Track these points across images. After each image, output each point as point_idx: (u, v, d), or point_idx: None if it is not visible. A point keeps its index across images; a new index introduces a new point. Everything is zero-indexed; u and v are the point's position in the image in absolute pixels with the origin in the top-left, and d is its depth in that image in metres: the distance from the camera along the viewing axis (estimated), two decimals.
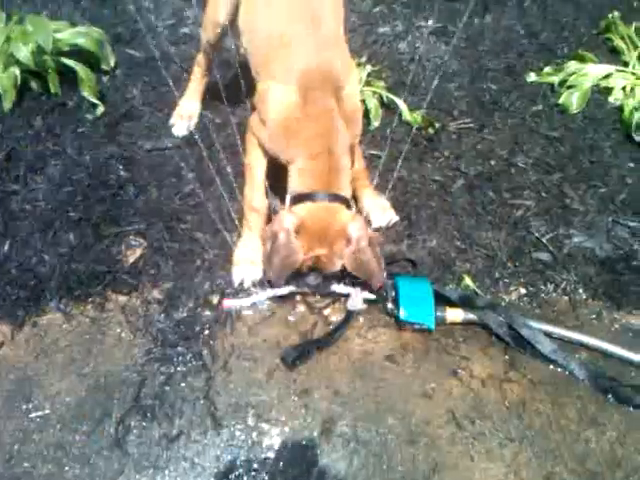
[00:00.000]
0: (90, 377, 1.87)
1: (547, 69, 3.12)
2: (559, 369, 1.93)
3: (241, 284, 2.08)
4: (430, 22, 3.48)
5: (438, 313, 1.97)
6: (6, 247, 2.19)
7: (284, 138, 1.92)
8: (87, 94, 2.75)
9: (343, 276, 1.99)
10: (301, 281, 1.96)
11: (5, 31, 2.69)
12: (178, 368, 1.89)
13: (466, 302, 2.02)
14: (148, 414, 1.78)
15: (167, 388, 1.84)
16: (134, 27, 3.22)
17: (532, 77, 3.11)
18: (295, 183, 1.92)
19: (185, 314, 2.02)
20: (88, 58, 2.88)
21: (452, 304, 2.01)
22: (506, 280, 2.17)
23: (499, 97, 2.98)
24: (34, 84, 2.82)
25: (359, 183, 2.26)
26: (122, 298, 2.07)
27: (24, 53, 2.61)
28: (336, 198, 1.87)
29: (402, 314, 1.95)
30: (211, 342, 1.95)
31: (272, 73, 1.95)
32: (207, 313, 2.02)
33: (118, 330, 1.99)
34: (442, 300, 2.01)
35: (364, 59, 3.13)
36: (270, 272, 1.90)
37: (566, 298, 2.13)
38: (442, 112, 2.88)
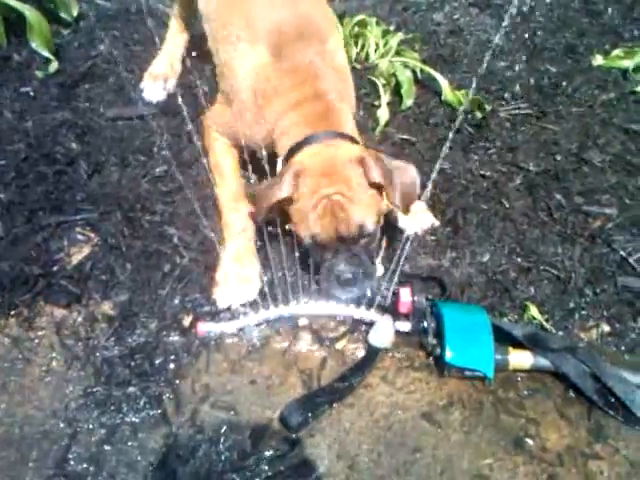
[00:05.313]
0: None
1: (617, 52, 2.87)
2: None
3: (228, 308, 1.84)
4: None
5: (498, 356, 1.68)
6: None
7: (258, 107, 1.82)
8: (38, 46, 2.53)
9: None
10: (331, 276, 1.71)
11: None
12: (127, 418, 1.59)
13: (535, 342, 1.72)
14: None
15: (107, 448, 1.54)
16: None
17: (599, 60, 2.87)
18: (284, 142, 1.78)
19: (143, 339, 1.75)
20: (44, 4, 2.70)
21: (515, 344, 1.72)
22: (584, 312, 1.87)
23: (560, 81, 2.72)
24: None
25: None
26: (58, 312, 1.80)
27: None
28: (338, 136, 1.73)
29: (448, 355, 1.65)
30: (177, 382, 1.67)
31: (234, 36, 1.86)
32: (174, 339, 1.75)
33: (48, 357, 1.71)
34: (502, 338, 1.71)
35: (393, 27, 2.92)
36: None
37: None
38: (491, 94, 2.62)
